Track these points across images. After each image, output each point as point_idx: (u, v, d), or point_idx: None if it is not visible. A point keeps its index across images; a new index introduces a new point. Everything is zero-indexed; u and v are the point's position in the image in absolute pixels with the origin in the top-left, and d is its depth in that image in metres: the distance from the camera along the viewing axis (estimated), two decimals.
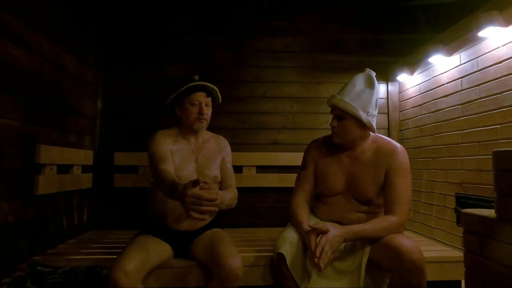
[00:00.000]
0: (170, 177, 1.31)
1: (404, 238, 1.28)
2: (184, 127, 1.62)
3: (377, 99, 1.46)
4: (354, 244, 1.41)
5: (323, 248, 1.23)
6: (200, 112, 1.56)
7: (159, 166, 1.41)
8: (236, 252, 1.38)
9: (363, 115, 1.40)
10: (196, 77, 1.60)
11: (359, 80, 1.45)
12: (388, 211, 1.39)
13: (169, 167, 1.44)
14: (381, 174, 1.43)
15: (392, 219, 1.34)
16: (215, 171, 1.62)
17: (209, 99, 1.61)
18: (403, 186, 1.38)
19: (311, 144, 1.63)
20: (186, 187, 1.14)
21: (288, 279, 1.32)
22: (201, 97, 1.57)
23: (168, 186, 1.26)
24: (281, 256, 1.33)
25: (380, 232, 1.33)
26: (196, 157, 1.60)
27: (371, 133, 1.50)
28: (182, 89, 1.54)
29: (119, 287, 1.21)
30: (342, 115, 1.43)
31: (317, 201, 1.60)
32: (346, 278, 1.36)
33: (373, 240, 1.36)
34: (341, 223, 1.46)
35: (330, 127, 1.50)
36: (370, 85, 1.44)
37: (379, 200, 1.46)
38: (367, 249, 1.36)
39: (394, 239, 1.27)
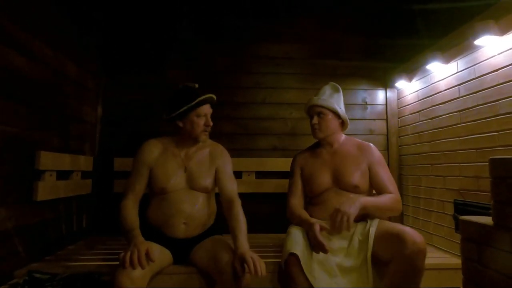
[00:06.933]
0: (129, 223, 1.46)
1: (405, 226, 1.45)
2: (184, 137, 1.60)
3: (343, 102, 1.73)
4: (357, 240, 1.48)
5: (339, 217, 1.33)
6: (207, 124, 1.57)
7: (128, 192, 1.58)
8: None
9: (339, 110, 1.67)
10: (196, 85, 1.59)
11: (327, 89, 1.72)
12: (383, 192, 1.57)
13: (141, 185, 1.57)
14: (362, 164, 1.62)
15: (391, 195, 1.54)
16: (206, 181, 1.58)
17: (211, 109, 1.62)
18: (387, 173, 1.63)
19: (295, 155, 1.82)
20: (136, 248, 1.29)
21: (300, 281, 1.31)
22: (207, 109, 1.58)
23: (125, 229, 1.44)
24: (292, 258, 1.34)
25: (387, 202, 1.50)
26: (185, 166, 1.58)
27: (343, 134, 1.74)
28: (192, 104, 1.51)
29: None
30: (322, 111, 1.66)
31: (308, 204, 1.70)
32: (354, 275, 1.41)
33: (375, 234, 1.43)
34: None
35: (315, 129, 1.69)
36: (337, 90, 1.72)
37: (365, 187, 1.61)
38: (371, 243, 1.42)
39: (396, 227, 1.42)
